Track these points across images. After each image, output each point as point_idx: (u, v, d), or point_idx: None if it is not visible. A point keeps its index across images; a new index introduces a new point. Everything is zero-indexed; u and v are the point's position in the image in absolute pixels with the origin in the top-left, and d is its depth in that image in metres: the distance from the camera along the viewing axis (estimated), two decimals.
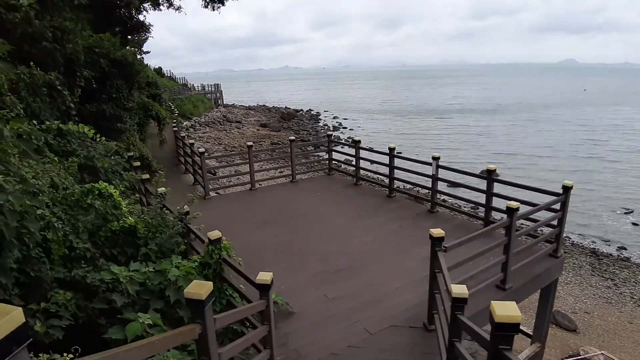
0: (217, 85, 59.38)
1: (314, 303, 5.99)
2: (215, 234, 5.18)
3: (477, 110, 55.64)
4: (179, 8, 23.91)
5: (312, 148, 20.86)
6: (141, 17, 22.40)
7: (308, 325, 5.49)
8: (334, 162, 13.00)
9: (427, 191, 9.79)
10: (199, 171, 11.23)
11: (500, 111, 53.42)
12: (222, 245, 5.27)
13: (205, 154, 11.21)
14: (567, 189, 6.96)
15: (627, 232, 16.80)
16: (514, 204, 5.91)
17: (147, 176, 8.90)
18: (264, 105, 64.79)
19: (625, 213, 18.50)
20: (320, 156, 15.90)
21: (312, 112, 57.43)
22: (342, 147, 14.14)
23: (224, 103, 60.15)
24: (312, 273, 6.86)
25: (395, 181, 10.68)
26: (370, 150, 12.72)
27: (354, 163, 12.06)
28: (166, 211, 6.26)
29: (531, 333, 7.85)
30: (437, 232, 4.91)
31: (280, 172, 13.78)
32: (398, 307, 5.81)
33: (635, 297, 12.39)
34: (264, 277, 4.00)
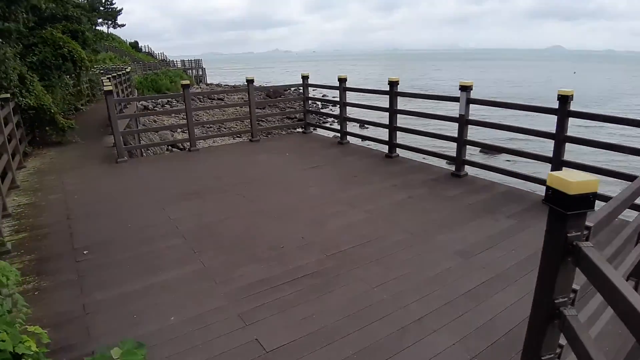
0: (198, 61, 55.33)
1: None
2: None
3: (485, 95, 51.58)
4: None
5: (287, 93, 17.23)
6: None
7: None
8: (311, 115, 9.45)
9: (451, 144, 6.33)
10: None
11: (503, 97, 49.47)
12: None
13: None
14: None
15: None
16: None
17: None
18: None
19: None
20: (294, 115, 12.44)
21: (300, 90, 53.05)
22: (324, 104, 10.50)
23: (207, 82, 56.09)
24: (243, 285, 3.38)
25: (399, 134, 7.22)
26: (361, 90, 9.02)
27: (337, 113, 8.62)
28: None
29: None
30: (579, 180, 1.45)
31: (232, 129, 10.20)
32: None
33: None
34: None
